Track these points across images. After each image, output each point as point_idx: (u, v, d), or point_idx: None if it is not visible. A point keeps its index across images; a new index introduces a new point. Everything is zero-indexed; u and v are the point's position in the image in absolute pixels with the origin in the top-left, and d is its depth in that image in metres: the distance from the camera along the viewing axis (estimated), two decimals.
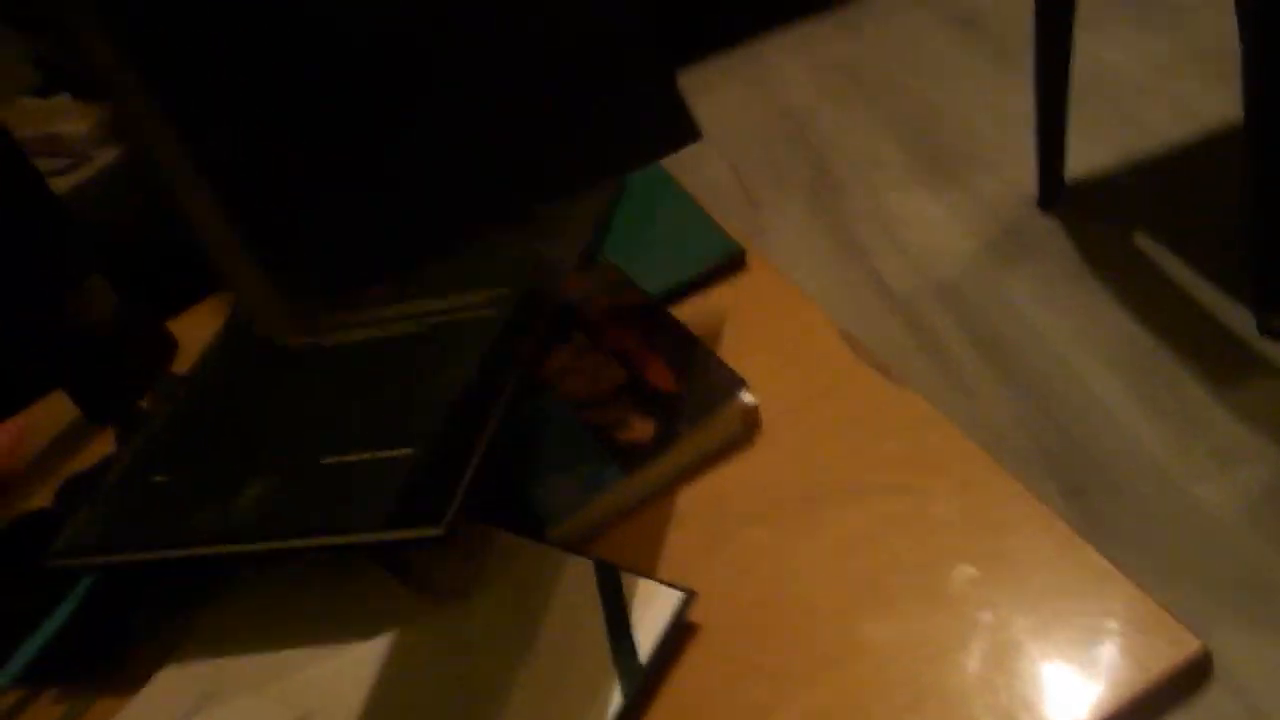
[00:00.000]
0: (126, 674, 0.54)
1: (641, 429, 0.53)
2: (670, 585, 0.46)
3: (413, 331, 0.62)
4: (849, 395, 0.54)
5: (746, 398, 0.53)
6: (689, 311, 0.62)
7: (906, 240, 1.70)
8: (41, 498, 0.70)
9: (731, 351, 0.56)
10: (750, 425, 0.54)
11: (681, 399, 0.54)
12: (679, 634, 0.46)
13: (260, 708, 0.47)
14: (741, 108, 2.18)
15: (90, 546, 0.56)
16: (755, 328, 0.60)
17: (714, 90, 2.27)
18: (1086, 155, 1.69)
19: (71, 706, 0.53)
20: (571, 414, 0.56)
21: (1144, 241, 1.53)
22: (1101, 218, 1.60)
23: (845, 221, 1.78)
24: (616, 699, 0.43)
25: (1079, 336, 1.43)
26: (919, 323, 1.55)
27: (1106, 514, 1.21)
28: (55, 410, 0.80)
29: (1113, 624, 0.41)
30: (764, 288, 0.63)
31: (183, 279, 0.99)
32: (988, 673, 0.41)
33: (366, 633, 0.49)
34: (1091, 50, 1.88)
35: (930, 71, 2.06)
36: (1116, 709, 0.39)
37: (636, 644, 0.44)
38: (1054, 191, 1.64)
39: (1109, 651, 0.40)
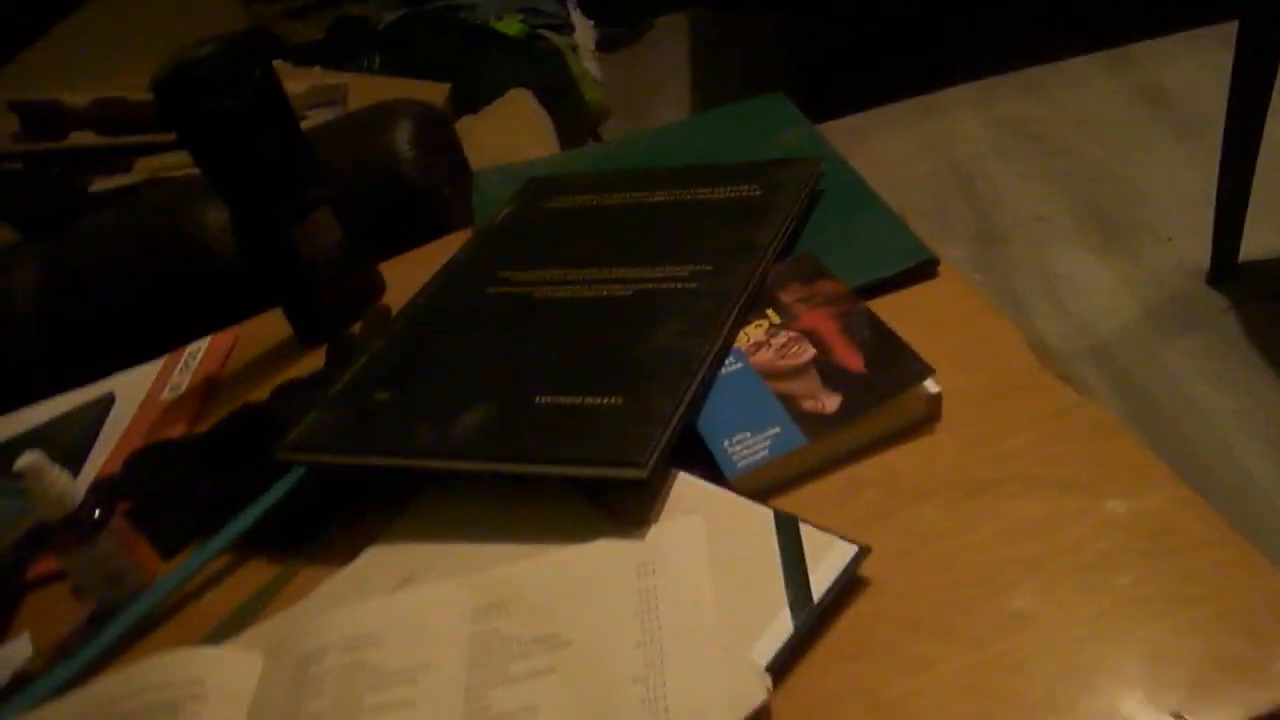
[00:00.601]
0: (332, 552, 0.60)
1: (827, 402, 0.57)
2: (846, 539, 0.49)
3: (623, 294, 0.67)
4: (1031, 397, 0.57)
5: (931, 386, 0.56)
6: (880, 306, 0.65)
7: (1068, 300, 1.69)
8: (256, 396, 0.78)
9: (916, 345, 0.59)
10: (932, 412, 0.57)
11: (868, 379, 0.57)
12: (850, 584, 0.49)
13: (455, 592, 0.52)
14: (914, 154, 2.20)
15: (319, 445, 0.62)
16: (943, 328, 0.63)
17: (888, 135, 2.30)
18: (1265, 240, 1.65)
19: (282, 571, 0.60)
20: (762, 382, 0.60)
21: None
22: (1272, 299, 1.56)
23: (1008, 275, 1.78)
24: (788, 629, 0.46)
25: (1240, 416, 1.40)
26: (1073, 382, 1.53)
27: None
28: (272, 326, 0.88)
29: (1273, 636, 0.43)
30: (953, 295, 0.66)
31: (391, 229, 1.07)
32: (1139, 659, 0.43)
33: (558, 542, 0.54)
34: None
35: (1110, 139, 2.04)
36: (1263, 713, 0.40)
37: (811, 586, 0.48)
38: (1226, 268, 1.61)
39: (1261, 659, 0.42)
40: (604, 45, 2.70)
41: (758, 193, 0.74)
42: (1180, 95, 2.11)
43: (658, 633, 0.48)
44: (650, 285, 0.67)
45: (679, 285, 0.66)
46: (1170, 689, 0.42)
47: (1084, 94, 2.22)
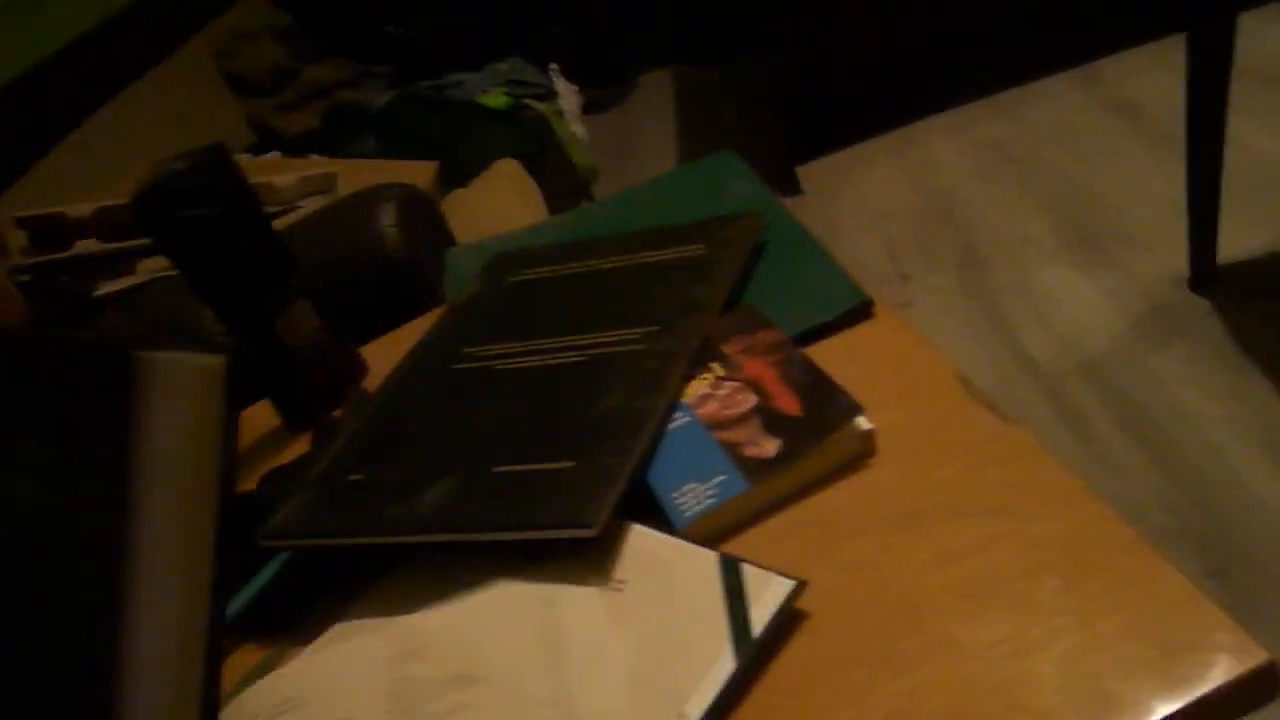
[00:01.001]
0: (320, 630, 0.63)
1: (767, 446, 0.60)
2: (783, 574, 0.52)
3: (578, 360, 0.71)
4: (959, 427, 0.59)
5: (863, 423, 0.59)
6: (818, 351, 0.69)
7: (1054, 317, 1.71)
8: (247, 485, 0.82)
9: (853, 386, 0.61)
10: (866, 449, 0.60)
11: (804, 422, 0.60)
12: (789, 617, 0.51)
13: (370, 644, 0.56)
14: (894, 186, 2.24)
15: (296, 528, 0.66)
16: (877, 366, 0.66)
17: (868, 169, 2.34)
18: (1241, 239, 1.67)
19: (271, 653, 0.63)
20: (707, 433, 0.63)
21: None
22: (1254, 300, 1.58)
23: (993, 297, 1.81)
24: (730, 665, 0.49)
25: (1228, 419, 1.41)
26: (1064, 399, 1.55)
27: (1249, 596, 1.19)
28: (261, 416, 0.92)
29: (1187, 636, 0.45)
30: (889, 333, 0.69)
31: (382, 307, 1.11)
32: (1062, 674, 0.45)
33: (515, 598, 0.57)
34: (1248, 139, 1.86)
35: (1085, 155, 2.08)
36: (1178, 713, 0.43)
37: (751, 622, 0.51)
38: (1206, 273, 1.63)
39: (1179, 659, 0.44)
40: (590, 108, 2.77)
41: (703, 251, 0.78)
42: (1150, 106, 2.14)
43: (565, 660, 0.51)
44: (602, 349, 0.71)
45: (629, 347, 0.70)
46: (1083, 699, 0.44)
47: (1056, 112, 2.26)
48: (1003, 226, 1.97)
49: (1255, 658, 0.43)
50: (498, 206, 1.86)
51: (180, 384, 0.50)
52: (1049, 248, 1.87)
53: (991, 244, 1.94)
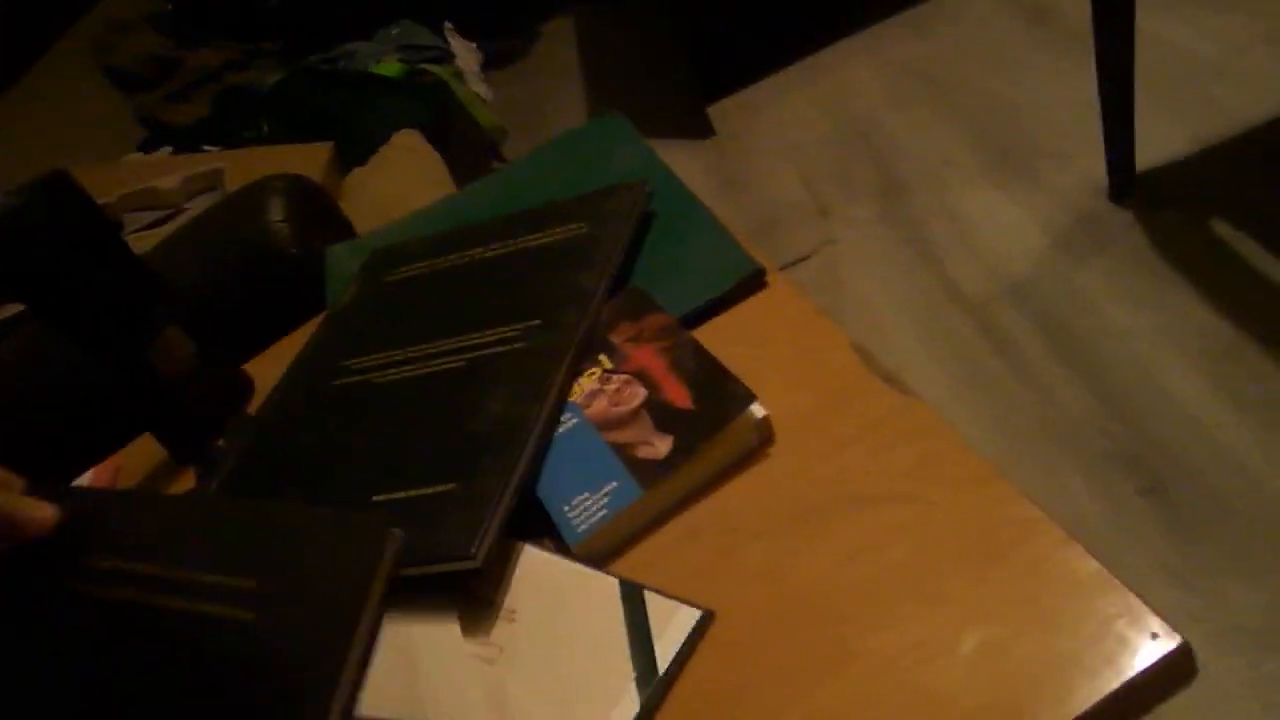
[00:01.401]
0: None
1: (659, 446, 0.56)
2: (690, 604, 0.49)
3: (455, 367, 0.66)
4: (858, 406, 0.56)
5: (757, 411, 0.55)
6: (710, 330, 0.64)
7: (978, 241, 1.68)
8: None
9: (749, 367, 0.58)
10: (763, 438, 0.56)
11: (697, 415, 0.56)
12: (695, 648, 0.48)
13: None
14: (809, 117, 2.19)
15: None
16: (772, 344, 0.62)
17: (780, 102, 2.28)
18: (1161, 143, 1.65)
19: None
20: (596, 434, 0.58)
21: (1222, 229, 1.49)
22: (1176, 207, 1.56)
23: (916, 225, 1.77)
24: (633, 707, 0.45)
25: (1156, 331, 1.40)
26: (993, 324, 1.53)
27: (1184, 510, 1.18)
28: (147, 450, 0.87)
29: (1100, 622, 0.42)
30: (783, 305, 0.65)
31: (279, 309, 1.05)
32: (977, 673, 0.42)
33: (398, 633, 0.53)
34: (1159, 32, 1.83)
35: (1001, 67, 2.04)
36: (1097, 704, 0.40)
37: (656, 657, 0.47)
38: (1126, 183, 1.61)
39: (1094, 648, 0.41)
40: (491, 65, 2.68)
41: (585, 229, 0.73)
42: (1061, 10, 2.10)
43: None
44: (482, 351, 0.66)
45: (510, 346, 0.65)
46: (999, 701, 0.41)
47: (968, 24, 2.21)
48: (921, 150, 1.94)
49: (1170, 641, 0.40)
50: (398, 184, 1.79)
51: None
52: (969, 169, 1.84)
53: (911, 170, 1.90)
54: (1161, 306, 1.43)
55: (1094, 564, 0.44)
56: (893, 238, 1.77)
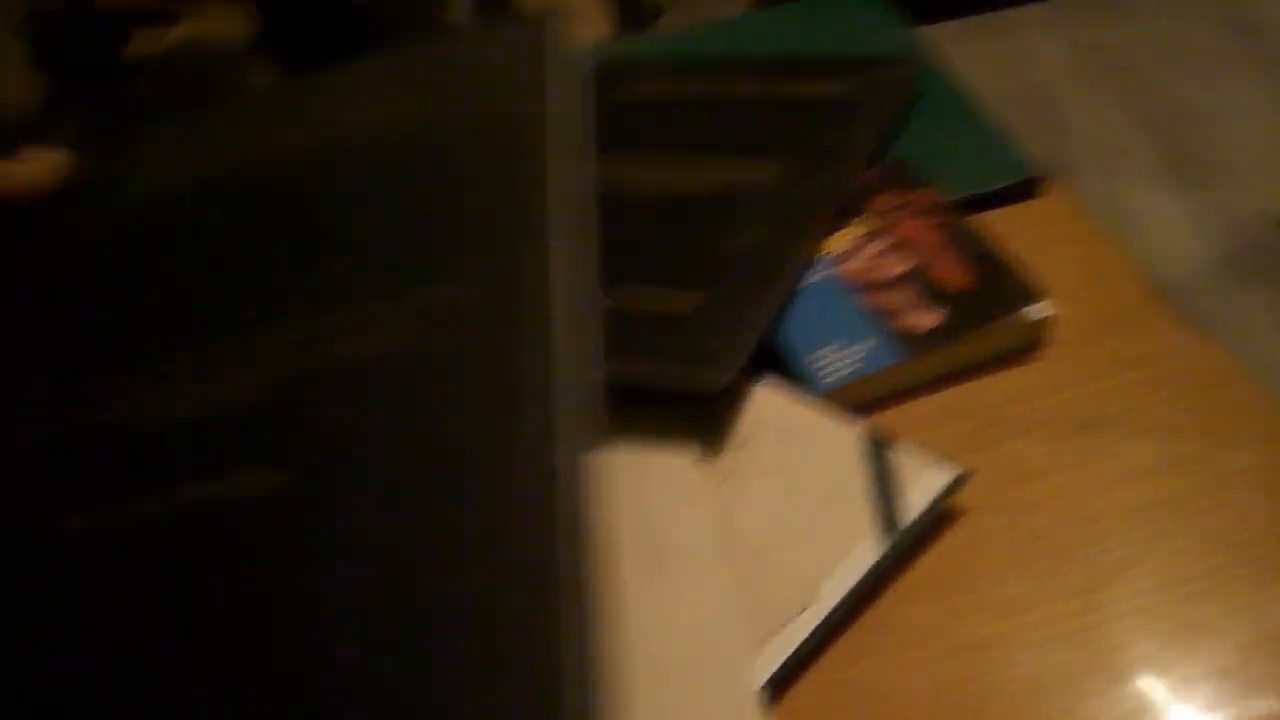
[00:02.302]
0: None
1: (925, 318, 0.53)
2: (943, 462, 0.46)
3: (700, 192, 0.63)
4: (1144, 335, 0.52)
5: (1042, 309, 0.52)
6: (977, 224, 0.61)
7: (1136, 238, 1.62)
8: None
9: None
10: (1034, 340, 0.53)
11: (971, 298, 0.53)
12: (941, 515, 0.45)
13: None
14: (982, 75, 2.10)
15: None
16: (1046, 253, 0.58)
17: (953, 53, 2.20)
18: None
19: None
20: (850, 295, 0.56)
21: None
22: None
23: None
24: (871, 554, 0.43)
25: None
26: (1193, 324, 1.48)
27: None
28: None
29: None
30: (1060, 217, 0.61)
31: None
32: (1248, 626, 0.40)
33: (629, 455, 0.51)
34: None
35: (1196, 69, 1.95)
36: None
37: (899, 510, 0.45)
38: None
39: None
40: None
41: (847, 89, 0.69)
42: (1271, 29, 2.00)
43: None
44: (731, 185, 0.63)
45: (763, 186, 0.62)
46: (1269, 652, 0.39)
47: (1169, 20, 2.11)
48: (1096, 133, 1.86)
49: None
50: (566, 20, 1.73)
51: None
52: (1142, 164, 1.76)
53: (1082, 150, 1.83)
54: None
55: None
56: None
